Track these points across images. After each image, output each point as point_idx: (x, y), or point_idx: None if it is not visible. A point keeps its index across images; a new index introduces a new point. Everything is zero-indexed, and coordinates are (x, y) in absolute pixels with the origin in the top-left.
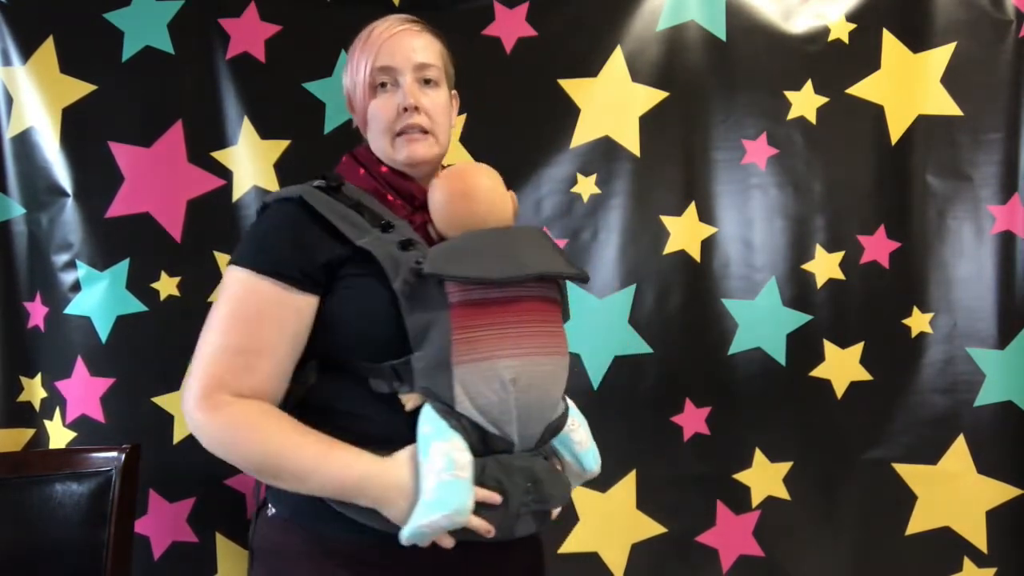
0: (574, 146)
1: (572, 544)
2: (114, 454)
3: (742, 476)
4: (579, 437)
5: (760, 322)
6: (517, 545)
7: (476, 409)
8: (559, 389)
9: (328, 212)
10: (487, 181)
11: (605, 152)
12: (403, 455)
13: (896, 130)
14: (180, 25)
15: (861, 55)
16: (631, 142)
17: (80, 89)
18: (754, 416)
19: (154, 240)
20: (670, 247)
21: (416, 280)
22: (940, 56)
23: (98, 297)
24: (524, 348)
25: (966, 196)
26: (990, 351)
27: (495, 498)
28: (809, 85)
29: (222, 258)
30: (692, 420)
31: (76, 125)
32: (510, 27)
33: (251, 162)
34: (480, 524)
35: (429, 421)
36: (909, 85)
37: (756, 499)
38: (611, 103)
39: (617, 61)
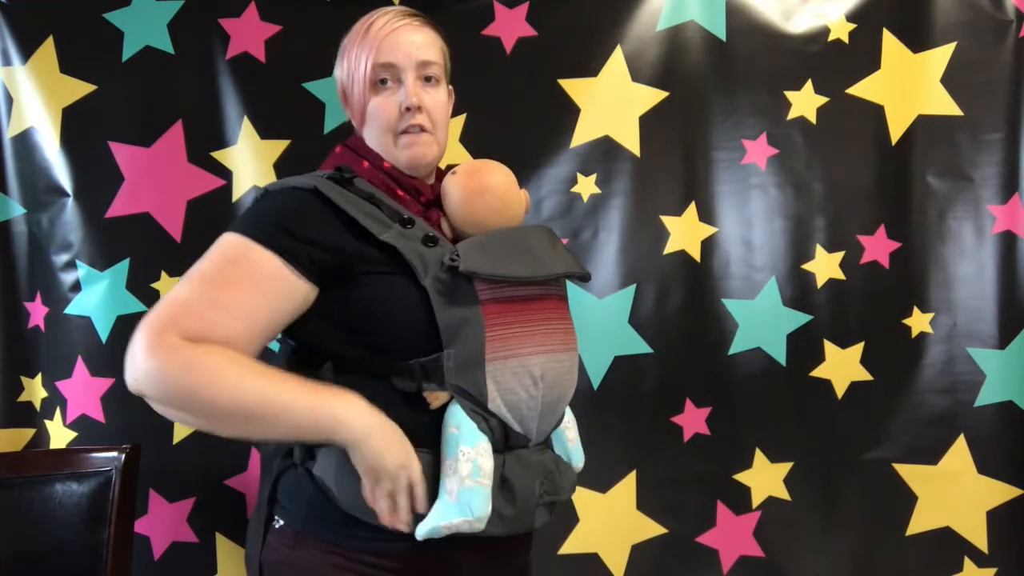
0: (574, 146)
1: (572, 545)
2: (114, 454)
3: (742, 476)
4: (571, 435)
5: (760, 322)
6: (527, 538)
7: (506, 406)
8: (574, 384)
9: (348, 204)
10: (503, 179)
11: (605, 152)
12: (387, 425)
13: (896, 130)
14: (180, 25)
15: (861, 55)
16: (631, 142)
17: (80, 89)
18: (754, 416)
19: (154, 240)
20: (670, 247)
21: (449, 277)
22: (940, 56)
23: (98, 297)
24: (549, 345)
25: (966, 196)
26: (990, 351)
27: None
28: (809, 85)
29: None
30: (692, 420)
31: (76, 125)
32: (510, 27)
33: (251, 162)
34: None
35: (458, 422)
36: (909, 85)
37: (756, 499)
38: (611, 103)
39: (617, 61)
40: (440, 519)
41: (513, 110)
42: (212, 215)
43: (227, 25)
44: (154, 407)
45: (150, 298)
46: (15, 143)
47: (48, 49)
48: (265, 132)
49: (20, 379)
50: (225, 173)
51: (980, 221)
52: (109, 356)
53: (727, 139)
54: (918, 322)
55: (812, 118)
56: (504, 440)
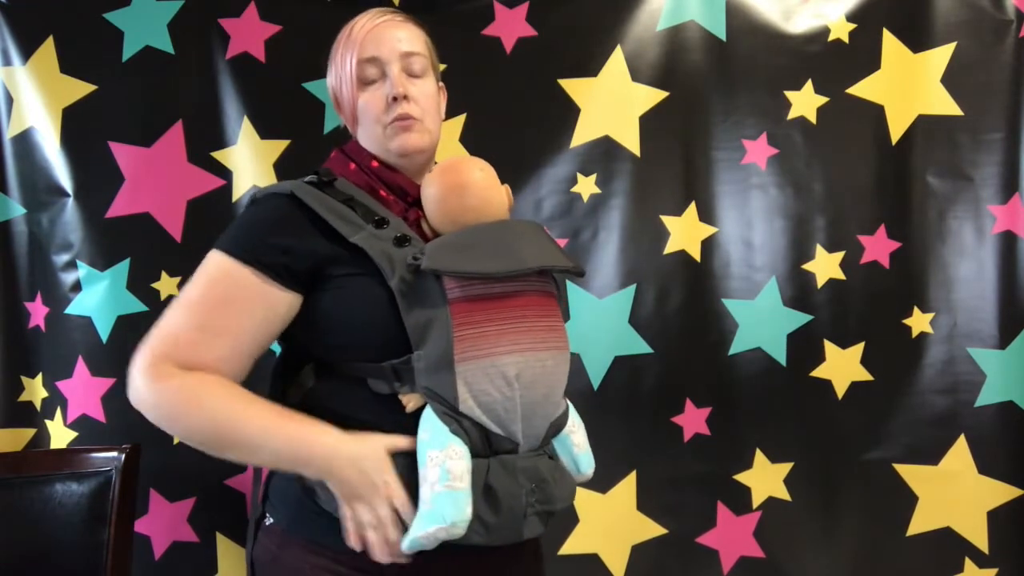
0: (574, 146)
1: (572, 545)
2: (114, 454)
3: (742, 477)
4: (578, 439)
5: (760, 322)
6: (520, 549)
7: (480, 408)
8: (562, 384)
9: (320, 207)
10: (480, 174)
11: (605, 152)
12: (377, 442)
13: (896, 130)
14: (180, 25)
15: (861, 55)
16: (631, 142)
17: (80, 89)
18: (754, 416)
19: (154, 240)
20: (670, 247)
21: (413, 277)
22: (940, 56)
23: (99, 297)
24: (526, 343)
25: (966, 196)
26: (991, 351)
27: None
28: (809, 85)
29: None
30: (692, 420)
31: (76, 125)
32: (510, 27)
33: (251, 162)
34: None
35: (427, 427)
36: (909, 85)
37: (757, 500)
38: (611, 103)
39: (617, 61)
40: (416, 530)
41: (513, 110)
42: (212, 215)
43: (227, 25)
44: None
45: (150, 298)
46: (15, 143)
47: (48, 49)
48: (265, 132)
49: (20, 379)
50: (225, 173)
51: (980, 221)
52: (109, 356)
53: (727, 139)
54: (918, 322)
55: (812, 118)
56: (486, 444)
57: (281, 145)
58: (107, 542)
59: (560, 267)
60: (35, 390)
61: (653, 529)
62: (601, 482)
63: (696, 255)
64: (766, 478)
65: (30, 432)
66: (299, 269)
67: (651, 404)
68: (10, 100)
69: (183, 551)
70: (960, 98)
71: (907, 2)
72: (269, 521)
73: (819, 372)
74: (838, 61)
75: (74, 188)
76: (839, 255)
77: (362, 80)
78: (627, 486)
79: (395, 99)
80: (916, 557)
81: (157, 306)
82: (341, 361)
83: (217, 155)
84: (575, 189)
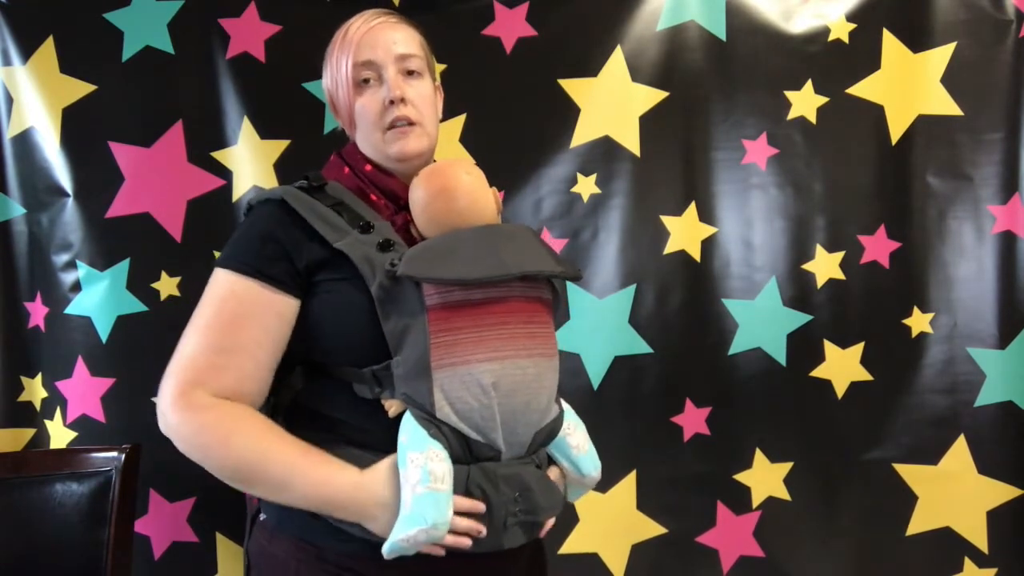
0: (574, 146)
1: (572, 544)
2: (114, 454)
3: (742, 476)
4: (576, 441)
5: (760, 322)
6: (516, 551)
7: (457, 415)
8: (546, 392)
9: (307, 213)
10: (467, 178)
11: (605, 152)
12: (382, 467)
13: (896, 130)
14: (180, 25)
15: (861, 55)
16: (631, 142)
17: (80, 89)
18: (754, 416)
19: (154, 240)
20: (670, 247)
21: (391, 283)
22: (940, 56)
23: (98, 297)
24: (505, 351)
25: (966, 196)
26: (990, 351)
27: (479, 507)
28: (809, 85)
29: None
30: (692, 420)
31: (76, 125)
32: (510, 27)
33: (251, 162)
34: (456, 540)
35: (407, 430)
36: (909, 85)
37: (756, 499)
38: (611, 103)
39: (617, 61)
40: (397, 534)
41: (513, 110)
42: (212, 215)
43: (227, 25)
44: None
45: (150, 298)
46: (15, 143)
47: (48, 49)
48: (265, 132)
49: (20, 379)
50: (225, 173)
51: (980, 221)
52: (109, 356)
53: (727, 139)
54: (918, 322)
55: (812, 118)
56: (467, 451)
57: (281, 145)
58: (107, 542)
59: (546, 272)
60: (35, 390)
61: (653, 528)
62: (601, 482)
63: (696, 255)
64: (766, 478)
65: (30, 432)
66: (294, 274)
67: (651, 404)
68: (10, 100)
69: (183, 551)
70: (960, 98)
71: (907, 2)
72: (263, 516)
73: (819, 372)
74: (838, 61)
75: (74, 188)
76: (839, 255)
77: (358, 83)
78: (627, 486)
79: (392, 102)
80: (916, 557)
81: (157, 306)
82: (327, 365)
83: (217, 155)
84: (575, 189)
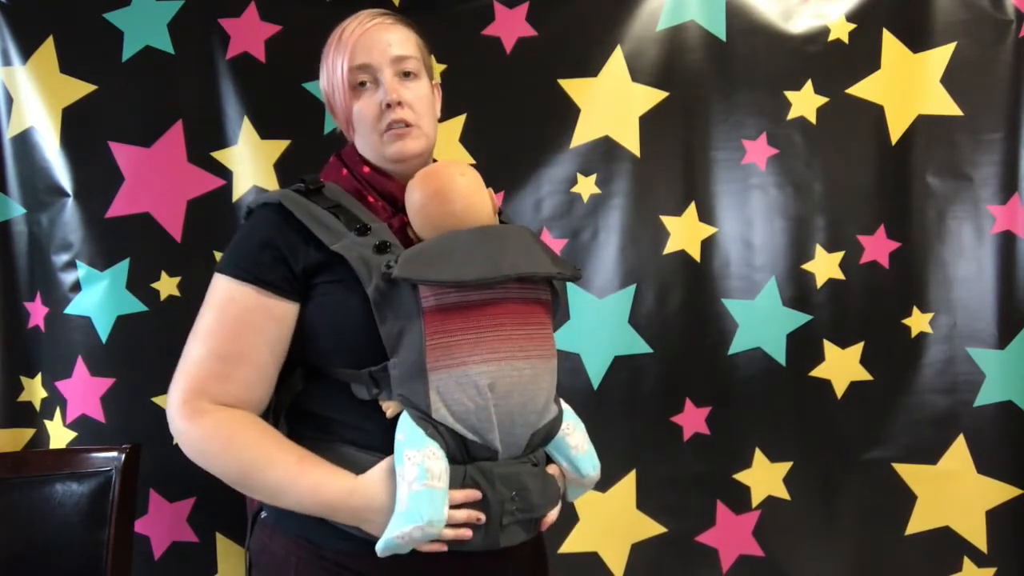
0: (574, 146)
1: (572, 544)
2: (114, 454)
3: (742, 476)
4: (575, 441)
5: (760, 322)
6: (516, 549)
7: (453, 417)
8: (544, 393)
9: (304, 216)
10: (463, 179)
11: (605, 152)
12: (377, 471)
13: (896, 130)
14: (180, 25)
15: (861, 55)
16: (631, 142)
17: (80, 89)
18: (754, 416)
19: (154, 240)
20: (670, 247)
21: (387, 285)
22: (940, 56)
23: (98, 297)
24: (501, 352)
25: (966, 196)
26: (990, 351)
27: (475, 495)
28: (809, 85)
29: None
30: (692, 420)
31: (76, 125)
32: (510, 27)
33: (251, 162)
34: (457, 533)
35: (404, 429)
36: (909, 85)
37: (756, 499)
38: (611, 103)
39: (617, 61)
40: (392, 531)
41: (513, 110)
42: (212, 215)
43: (227, 25)
44: None
45: (150, 298)
46: (15, 143)
47: (48, 49)
48: (265, 132)
49: (20, 379)
50: (225, 173)
51: (980, 221)
52: (109, 356)
53: (727, 139)
54: (918, 322)
55: (812, 118)
56: (464, 451)
57: (281, 145)
58: (107, 542)
59: (542, 273)
60: (35, 390)
61: (653, 528)
62: (601, 481)
63: (696, 255)
64: (765, 477)
65: (30, 432)
66: (292, 278)
67: (651, 404)
68: (10, 100)
69: (183, 551)
70: (960, 98)
71: (907, 2)
72: (264, 515)
73: (818, 372)
74: (838, 61)
75: (74, 188)
76: (839, 255)
77: (354, 87)
78: (627, 485)
79: (388, 105)
80: (915, 556)
81: (157, 306)
82: (326, 366)
83: (217, 155)
84: (575, 189)
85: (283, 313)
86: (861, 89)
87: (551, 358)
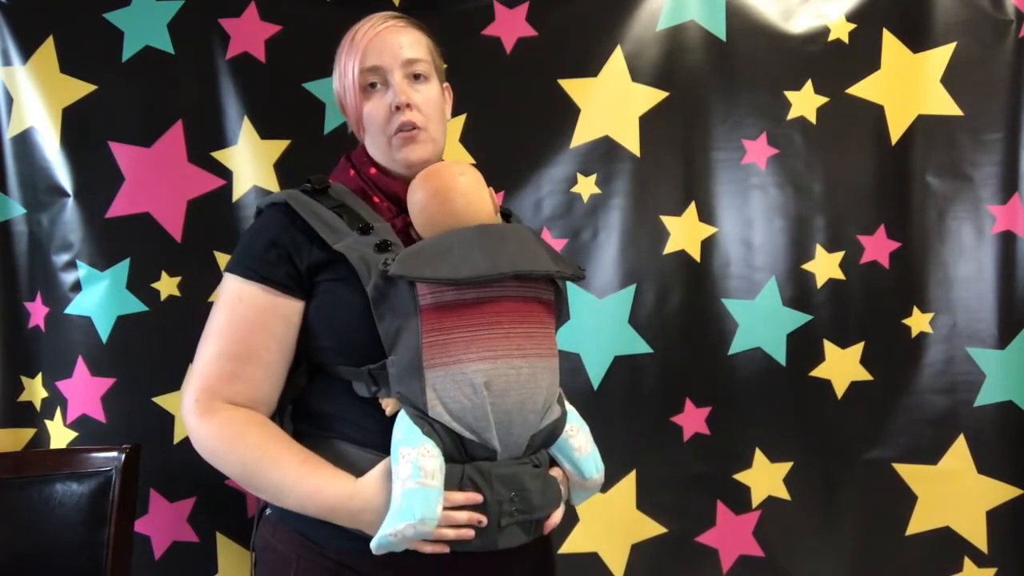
0: (574, 146)
1: (572, 544)
2: (114, 454)
3: (742, 476)
4: (578, 443)
5: (760, 322)
6: (519, 550)
7: (450, 415)
8: (542, 393)
9: (309, 215)
10: (463, 179)
11: (605, 152)
12: (375, 473)
13: (896, 130)
14: (180, 25)
15: (861, 55)
16: (631, 142)
17: (80, 89)
18: (754, 416)
19: (154, 240)
20: (670, 247)
21: (385, 283)
22: (940, 56)
23: (99, 297)
24: (498, 351)
25: (966, 196)
26: (990, 351)
27: (475, 498)
28: (809, 85)
29: (222, 258)
30: (692, 420)
31: (76, 125)
32: (510, 27)
33: (251, 162)
34: (459, 533)
35: (401, 427)
36: (909, 85)
37: (756, 499)
38: (611, 103)
39: (617, 61)
40: (385, 528)
41: (513, 110)
42: (212, 215)
43: (227, 25)
44: None
45: (150, 298)
46: (15, 143)
47: (48, 49)
48: (265, 132)
49: (20, 379)
50: (225, 173)
51: (980, 221)
52: (109, 356)
53: (727, 139)
54: (918, 322)
55: (812, 118)
56: (462, 450)
57: (281, 145)
58: (107, 542)
59: (539, 271)
60: (35, 390)
61: (653, 528)
62: None
63: (696, 255)
64: (766, 477)
65: (30, 432)
66: (298, 276)
67: (651, 404)
68: (10, 100)
69: (183, 551)
70: (960, 98)
71: (907, 2)
72: (268, 511)
73: (819, 372)
74: (838, 61)
75: (74, 188)
76: (839, 255)
77: (365, 88)
78: (627, 485)
79: (398, 108)
80: (915, 556)
81: (157, 306)
82: (327, 364)
83: (217, 155)
84: (575, 189)
85: (290, 311)
86: (861, 89)
87: (551, 358)
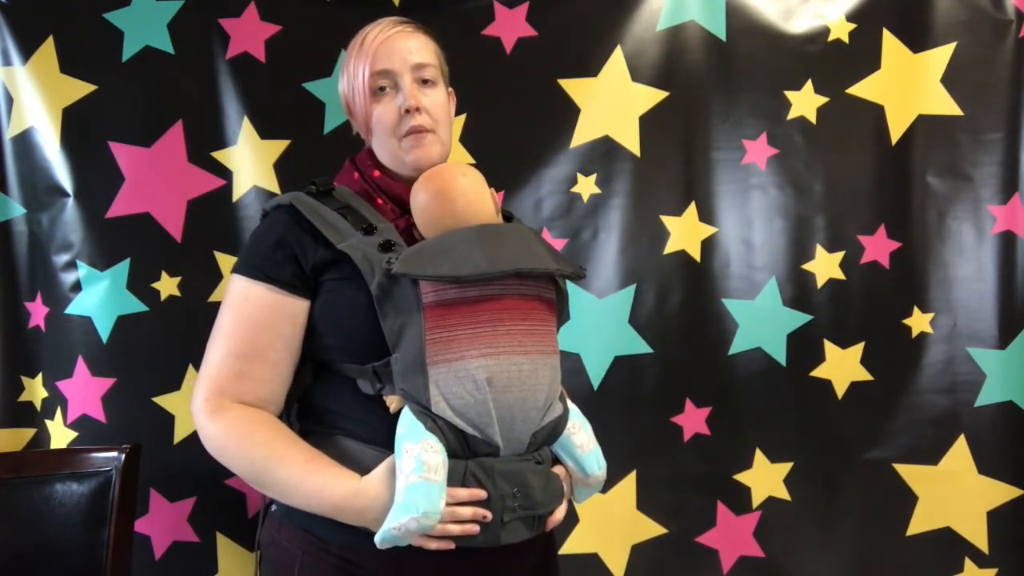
0: (574, 146)
1: (572, 545)
2: (114, 454)
3: (742, 476)
4: (580, 440)
5: (760, 322)
6: (523, 547)
7: (452, 411)
8: (544, 389)
9: (313, 216)
10: (465, 180)
11: (605, 152)
12: (379, 472)
13: (896, 130)
14: (180, 25)
15: (861, 55)
16: (631, 142)
17: (80, 89)
18: (754, 416)
19: (154, 240)
20: (670, 247)
21: (388, 281)
22: (940, 56)
23: (99, 297)
24: (499, 347)
25: (966, 196)
26: (990, 351)
27: (479, 494)
28: (809, 85)
29: (222, 258)
30: (692, 420)
31: (76, 125)
32: (510, 27)
33: (251, 162)
34: (464, 529)
35: (405, 423)
36: (909, 85)
37: (756, 500)
38: (611, 103)
39: (617, 61)
40: (389, 522)
41: (513, 110)
42: (212, 215)
43: (227, 25)
44: None
45: (150, 298)
46: (15, 143)
47: (48, 49)
48: (265, 132)
49: (20, 379)
50: (225, 173)
51: (980, 221)
52: (110, 356)
53: (727, 139)
54: (918, 322)
55: (812, 118)
56: (465, 446)
57: (281, 145)
58: (107, 542)
59: (540, 270)
60: (35, 390)
61: (653, 529)
62: None
63: (696, 255)
64: (766, 478)
65: (30, 432)
66: (303, 276)
67: (651, 404)
68: (10, 100)
69: (183, 551)
70: (960, 98)
71: (907, 2)
72: (273, 507)
73: (819, 372)
74: (838, 61)
75: (74, 188)
76: (839, 255)
77: (374, 92)
78: (627, 486)
79: (408, 111)
80: (916, 557)
81: (157, 306)
82: (332, 362)
83: (217, 155)
84: (575, 189)
85: (296, 310)
86: (861, 89)
87: (552, 355)
